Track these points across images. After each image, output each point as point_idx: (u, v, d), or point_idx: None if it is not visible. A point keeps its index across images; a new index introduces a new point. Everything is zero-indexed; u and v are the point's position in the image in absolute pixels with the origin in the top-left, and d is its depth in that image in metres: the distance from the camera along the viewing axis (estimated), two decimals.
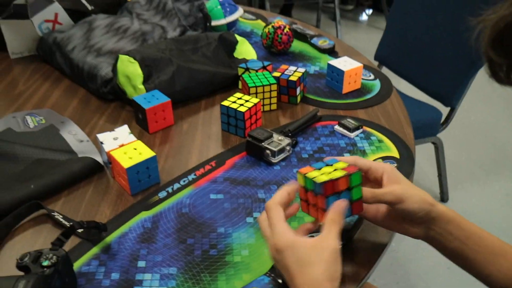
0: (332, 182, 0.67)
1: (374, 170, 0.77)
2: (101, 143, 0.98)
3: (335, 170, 0.70)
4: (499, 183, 2.51)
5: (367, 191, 0.72)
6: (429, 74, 2.00)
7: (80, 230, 0.83)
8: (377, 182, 0.77)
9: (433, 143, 2.09)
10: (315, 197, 0.69)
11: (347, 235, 0.83)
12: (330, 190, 0.68)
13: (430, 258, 2.05)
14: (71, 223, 0.76)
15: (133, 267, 0.78)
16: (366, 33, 4.51)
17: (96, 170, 0.99)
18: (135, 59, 1.17)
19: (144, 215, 0.88)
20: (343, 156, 1.03)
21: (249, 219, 0.88)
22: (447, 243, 0.76)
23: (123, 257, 0.80)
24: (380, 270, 1.98)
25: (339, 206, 0.68)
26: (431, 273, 1.99)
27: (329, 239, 0.66)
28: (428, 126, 2.00)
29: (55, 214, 0.87)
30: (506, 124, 3.04)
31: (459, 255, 0.77)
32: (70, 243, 0.82)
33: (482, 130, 2.99)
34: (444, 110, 2.02)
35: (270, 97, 1.19)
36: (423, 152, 2.47)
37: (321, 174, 0.69)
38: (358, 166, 0.74)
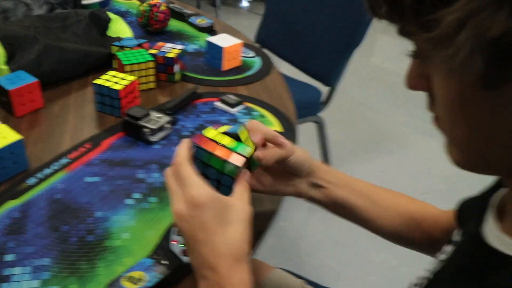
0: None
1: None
2: None
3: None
4: (376, 160, 2.63)
5: (264, 153, 0.69)
6: (308, 55, 2.04)
7: None
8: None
9: (316, 122, 2.14)
10: None
11: None
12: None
13: (317, 234, 2.10)
14: None
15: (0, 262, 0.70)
16: (246, 19, 4.53)
17: None
18: None
19: (11, 204, 0.80)
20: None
21: (129, 201, 0.83)
22: (329, 193, 0.78)
23: None
24: (270, 250, 2.00)
25: (246, 174, 0.66)
26: (320, 248, 2.04)
27: (245, 202, 0.63)
28: (309, 106, 2.04)
29: None
30: (380, 105, 3.20)
31: (342, 203, 0.79)
32: None
33: (359, 110, 3.12)
34: (324, 90, 2.07)
35: (147, 75, 1.14)
36: (306, 133, 2.53)
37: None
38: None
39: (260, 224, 0.81)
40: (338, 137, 2.76)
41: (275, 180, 0.77)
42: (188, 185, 0.61)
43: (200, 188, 0.61)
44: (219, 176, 0.65)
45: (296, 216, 2.19)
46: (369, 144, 2.79)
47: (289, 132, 1.04)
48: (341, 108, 3.01)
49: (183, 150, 0.65)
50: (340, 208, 0.81)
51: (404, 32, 0.43)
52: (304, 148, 0.76)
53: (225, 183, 0.65)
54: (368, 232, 0.83)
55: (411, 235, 0.81)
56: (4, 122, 0.97)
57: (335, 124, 2.86)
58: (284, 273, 1.06)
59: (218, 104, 1.10)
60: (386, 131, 2.94)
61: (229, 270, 0.59)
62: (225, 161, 0.63)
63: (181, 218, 0.61)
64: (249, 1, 4.96)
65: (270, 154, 0.70)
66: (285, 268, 1.08)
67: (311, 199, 0.80)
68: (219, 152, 0.64)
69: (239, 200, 0.63)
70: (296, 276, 1.06)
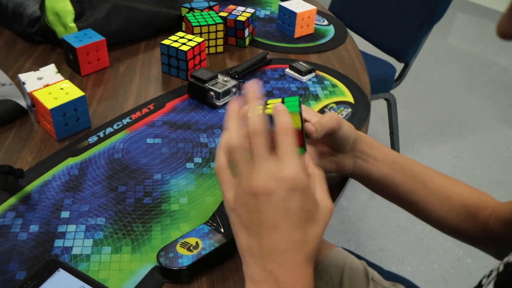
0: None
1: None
2: (23, 83, 0.86)
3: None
4: (449, 145, 2.50)
5: (313, 123, 0.62)
6: (383, 29, 1.94)
7: None
8: None
9: (386, 99, 2.04)
10: None
11: None
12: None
13: (379, 217, 2.03)
14: None
15: (55, 218, 0.68)
16: None
17: (18, 114, 0.88)
18: None
19: (71, 161, 0.78)
20: None
21: (189, 165, 0.79)
22: (375, 169, 0.71)
23: (44, 207, 0.70)
24: (331, 229, 1.94)
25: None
26: (381, 231, 1.97)
27: (328, 198, 0.54)
28: (381, 82, 1.94)
29: None
30: (455, 87, 3.04)
31: (388, 182, 0.72)
32: None
33: (433, 91, 2.98)
34: (398, 67, 1.97)
35: (216, 38, 1.09)
36: (375, 111, 2.43)
37: None
38: None
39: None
40: (409, 117, 2.65)
41: (317, 157, 0.70)
42: (286, 162, 0.50)
43: (299, 170, 0.50)
44: None
45: (359, 197, 2.12)
46: (442, 127, 2.66)
47: (362, 105, 0.97)
48: (413, 88, 2.88)
49: (261, 116, 0.52)
50: (384, 187, 0.73)
51: None
52: (349, 123, 0.68)
53: None
54: None
55: (462, 225, 0.72)
56: (70, 80, 0.96)
57: (407, 103, 2.75)
58: (346, 252, 1.00)
59: (288, 71, 1.05)
60: (460, 115, 2.79)
61: (294, 268, 0.50)
62: None
63: (268, 193, 0.50)
64: None
65: (321, 126, 0.62)
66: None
67: (354, 176, 0.74)
68: None
69: (324, 197, 0.54)
70: (357, 256, 1.00)
